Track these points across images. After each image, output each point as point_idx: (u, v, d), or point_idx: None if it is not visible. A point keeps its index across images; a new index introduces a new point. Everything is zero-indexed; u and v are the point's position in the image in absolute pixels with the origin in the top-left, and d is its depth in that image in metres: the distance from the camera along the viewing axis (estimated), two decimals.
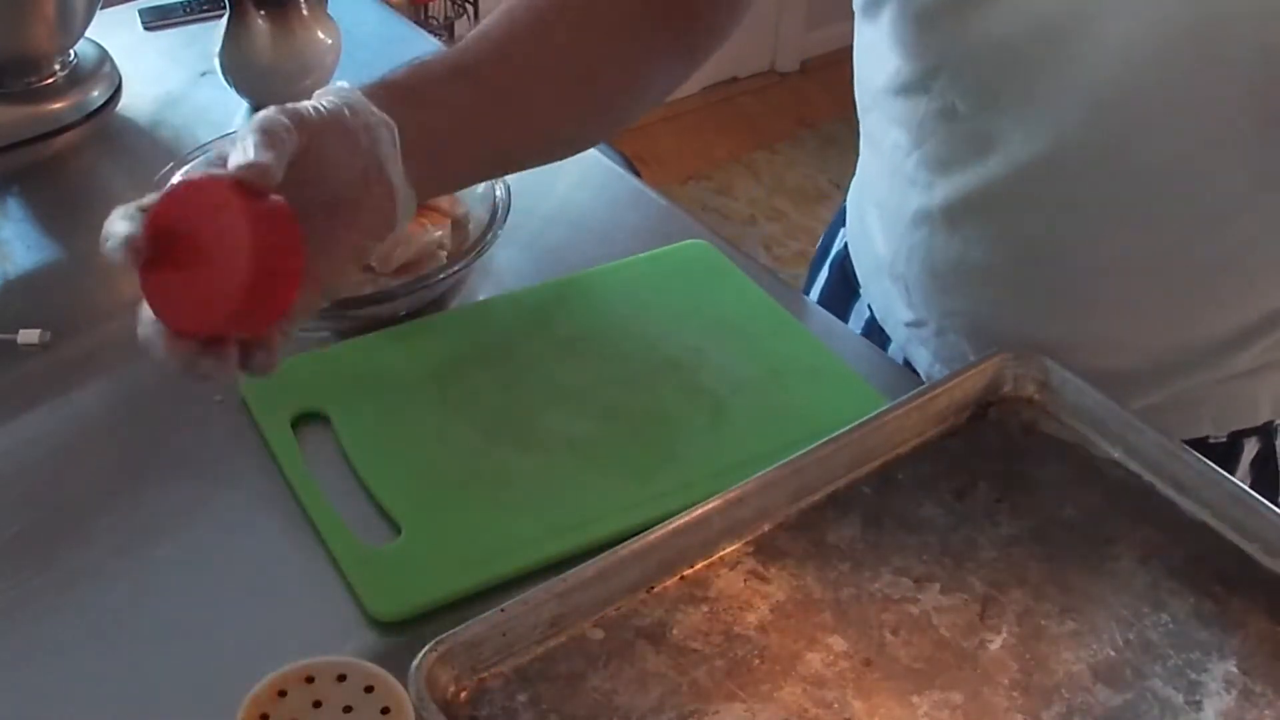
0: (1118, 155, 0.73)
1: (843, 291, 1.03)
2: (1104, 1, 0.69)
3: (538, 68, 0.79)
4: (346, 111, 0.70)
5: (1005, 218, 0.80)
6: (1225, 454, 0.88)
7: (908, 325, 0.92)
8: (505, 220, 0.94)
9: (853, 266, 1.00)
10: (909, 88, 0.81)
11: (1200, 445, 0.85)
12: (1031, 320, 0.84)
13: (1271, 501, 0.72)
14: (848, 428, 0.77)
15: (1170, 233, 0.76)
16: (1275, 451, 0.90)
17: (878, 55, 0.84)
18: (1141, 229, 0.76)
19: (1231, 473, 0.79)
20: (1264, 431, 0.90)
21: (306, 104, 0.70)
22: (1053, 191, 0.77)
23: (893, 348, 0.96)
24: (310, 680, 0.60)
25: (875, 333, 0.98)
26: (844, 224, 1.04)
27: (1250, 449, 0.89)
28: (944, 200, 0.82)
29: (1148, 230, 0.76)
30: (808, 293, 1.10)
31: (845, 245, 1.03)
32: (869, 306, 0.99)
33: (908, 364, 0.94)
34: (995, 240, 0.81)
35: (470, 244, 0.94)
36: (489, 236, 0.93)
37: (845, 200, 1.04)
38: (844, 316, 1.01)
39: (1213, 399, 0.86)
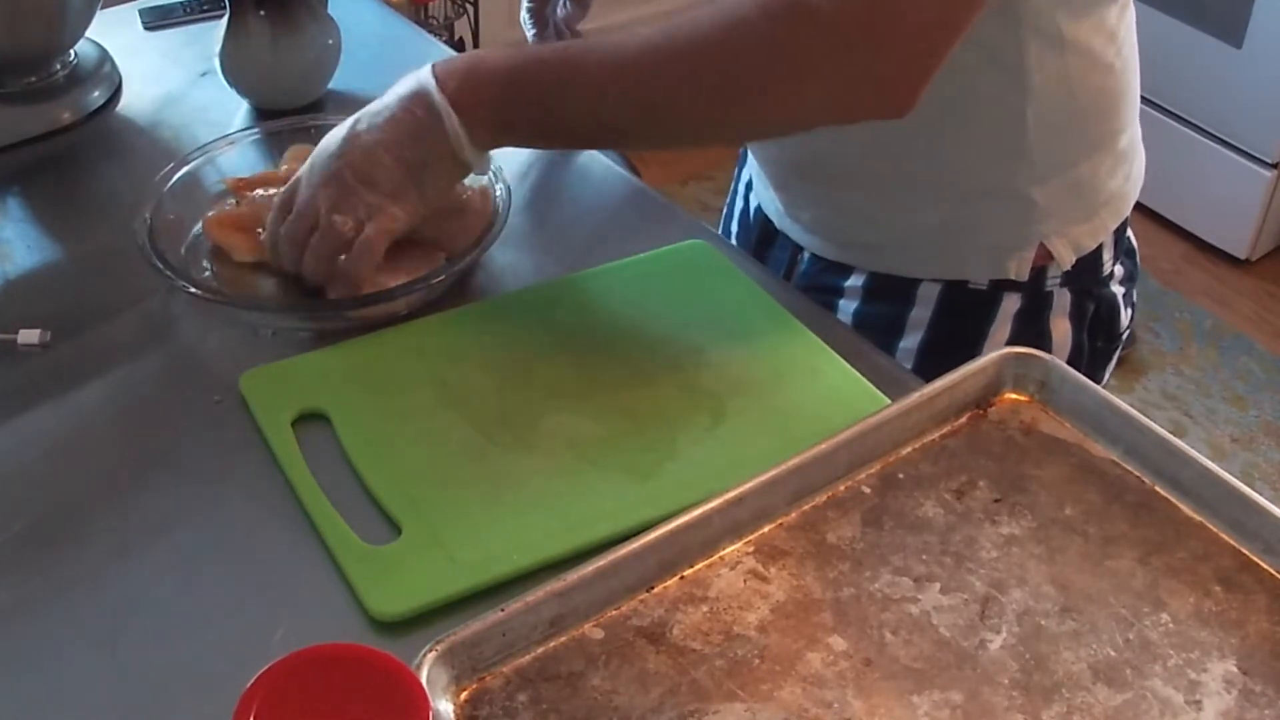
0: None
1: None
2: None
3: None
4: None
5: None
6: (987, 302, 1.02)
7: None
8: (506, 220, 0.94)
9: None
10: None
11: (962, 290, 1.02)
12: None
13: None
14: (848, 428, 0.77)
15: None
16: (1040, 309, 1.03)
17: None
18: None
19: (991, 321, 1.02)
20: (1028, 290, 1.02)
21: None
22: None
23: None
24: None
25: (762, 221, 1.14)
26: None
27: (1011, 303, 1.02)
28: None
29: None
30: (727, 226, 1.23)
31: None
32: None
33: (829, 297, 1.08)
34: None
35: (470, 244, 0.93)
36: (489, 237, 0.93)
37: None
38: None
39: (942, 243, 1.02)
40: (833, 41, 0.78)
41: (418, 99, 0.86)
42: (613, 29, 0.86)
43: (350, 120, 0.89)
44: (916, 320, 1.04)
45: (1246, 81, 2.44)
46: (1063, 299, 1.03)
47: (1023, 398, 0.82)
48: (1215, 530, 0.74)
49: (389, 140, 0.86)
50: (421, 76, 0.86)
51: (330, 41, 1.12)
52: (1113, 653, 0.68)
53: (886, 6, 0.77)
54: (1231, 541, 0.74)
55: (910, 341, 1.04)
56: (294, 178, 0.90)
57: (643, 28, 0.83)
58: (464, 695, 0.66)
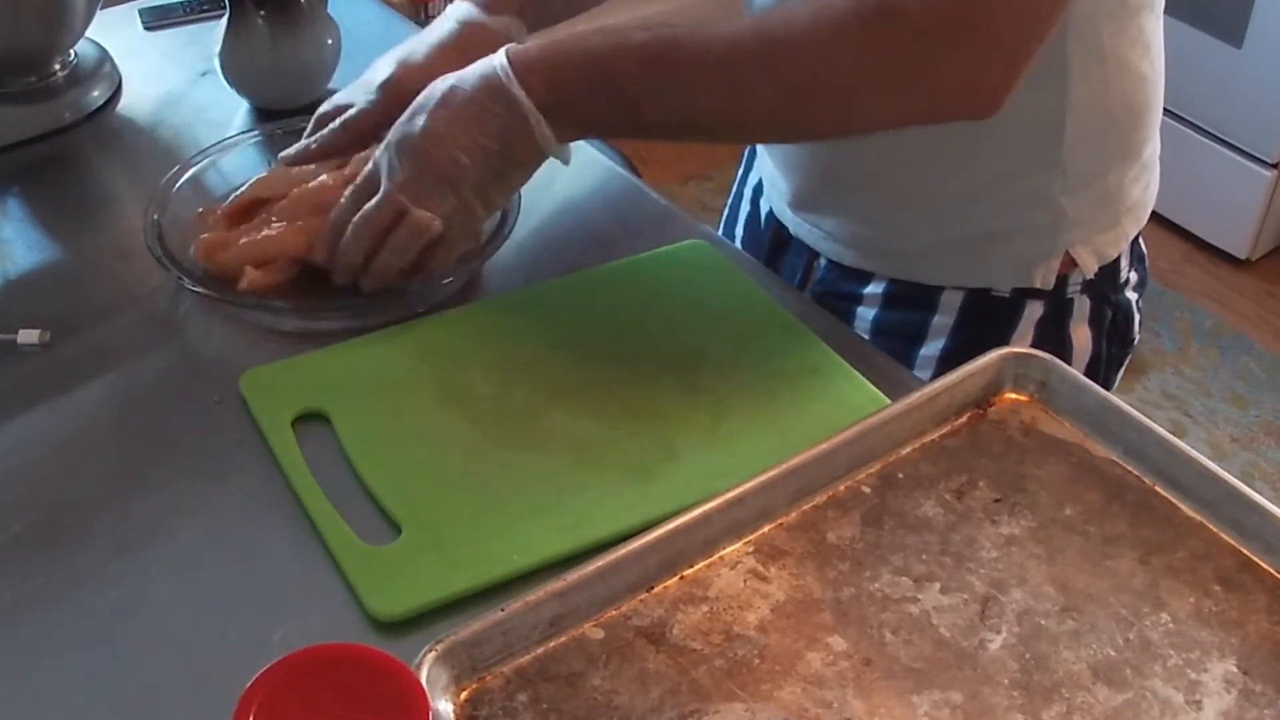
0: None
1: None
2: None
3: None
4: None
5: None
6: (1010, 309, 1.02)
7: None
8: (515, 225, 0.94)
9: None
10: None
11: (985, 297, 1.02)
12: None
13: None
14: (848, 428, 0.77)
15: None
16: (1061, 316, 1.03)
17: None
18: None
19: (1014, 328, 1.02)
20: (1050, 297, 1.02)
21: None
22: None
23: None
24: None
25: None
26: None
27: (1034, 310, 1.02)
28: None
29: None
30: (730, 230, 1.22)
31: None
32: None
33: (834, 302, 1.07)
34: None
35: (478, 247, 0.93)
36: (497, 240, 0.93)
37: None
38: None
39: (970, 252, 1.02)
40: (922, 44, 0.77)
41: (499, 97, 0.85)
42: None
43: (428, 106, 0.87)
44: (939, 328, 1.03)
45: (1246, 81, 2.44)
46: (1083, 306, 1.03)
47: (1023, 398, 0.82)
48: (1215, 530, 0.74)
49: (476, 143, 0.86)
50: (500, 68, 0.85)
51: (330, 41, 1.12)
52: (1113, 653, 0.68)
53: (975, 8, 0.76)
54: (1231, 541, 0.74)
55: (932, 349, 1.03)
56: (365, 171, 0.89)
57: (728, 22, 0.82)
58: (464, 695, 0.66)
